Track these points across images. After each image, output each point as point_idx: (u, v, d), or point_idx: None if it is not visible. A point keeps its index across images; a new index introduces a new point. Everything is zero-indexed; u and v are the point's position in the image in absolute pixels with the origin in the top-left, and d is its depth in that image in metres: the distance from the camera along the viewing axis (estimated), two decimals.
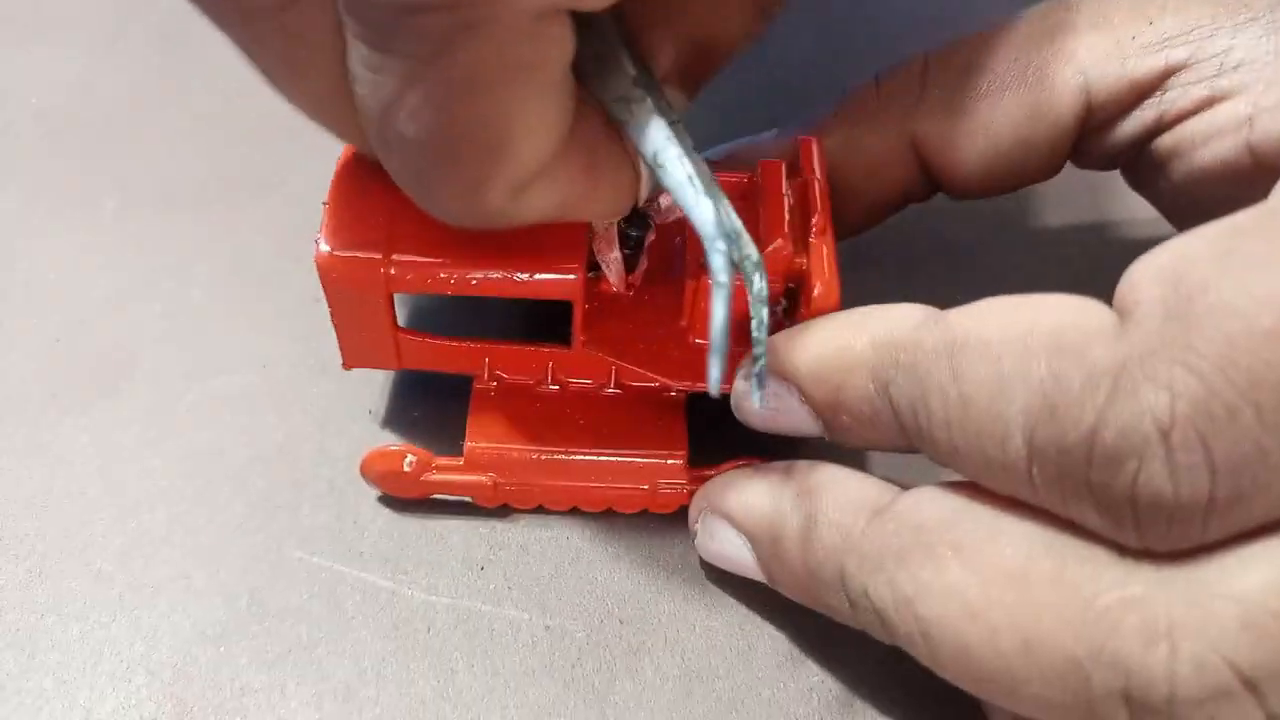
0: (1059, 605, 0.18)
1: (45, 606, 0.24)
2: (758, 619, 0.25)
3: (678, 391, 0.25)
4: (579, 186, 0.21)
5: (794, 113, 0.28)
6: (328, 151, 0.32)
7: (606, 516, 0.26)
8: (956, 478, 0.20)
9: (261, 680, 0.23)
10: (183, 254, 0.31)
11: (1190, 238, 0.18)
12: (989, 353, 0.18)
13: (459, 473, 0.25)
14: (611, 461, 0.25)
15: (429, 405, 0.28)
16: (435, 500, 0.26)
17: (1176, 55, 0.23)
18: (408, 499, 0.26)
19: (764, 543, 0.23)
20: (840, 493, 0.21)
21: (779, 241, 0.23)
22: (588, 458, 0.25)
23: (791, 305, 0.24)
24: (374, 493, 0.26)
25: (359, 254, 0.23)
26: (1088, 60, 0.24)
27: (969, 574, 0.19)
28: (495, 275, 0.23)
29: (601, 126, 0.21)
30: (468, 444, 0.25)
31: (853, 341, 0.21)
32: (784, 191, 0.24)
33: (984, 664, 0.19)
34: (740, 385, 0.23)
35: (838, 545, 0.21)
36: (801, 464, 0.23)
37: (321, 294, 0.25)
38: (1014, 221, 0.32)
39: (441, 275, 0.23)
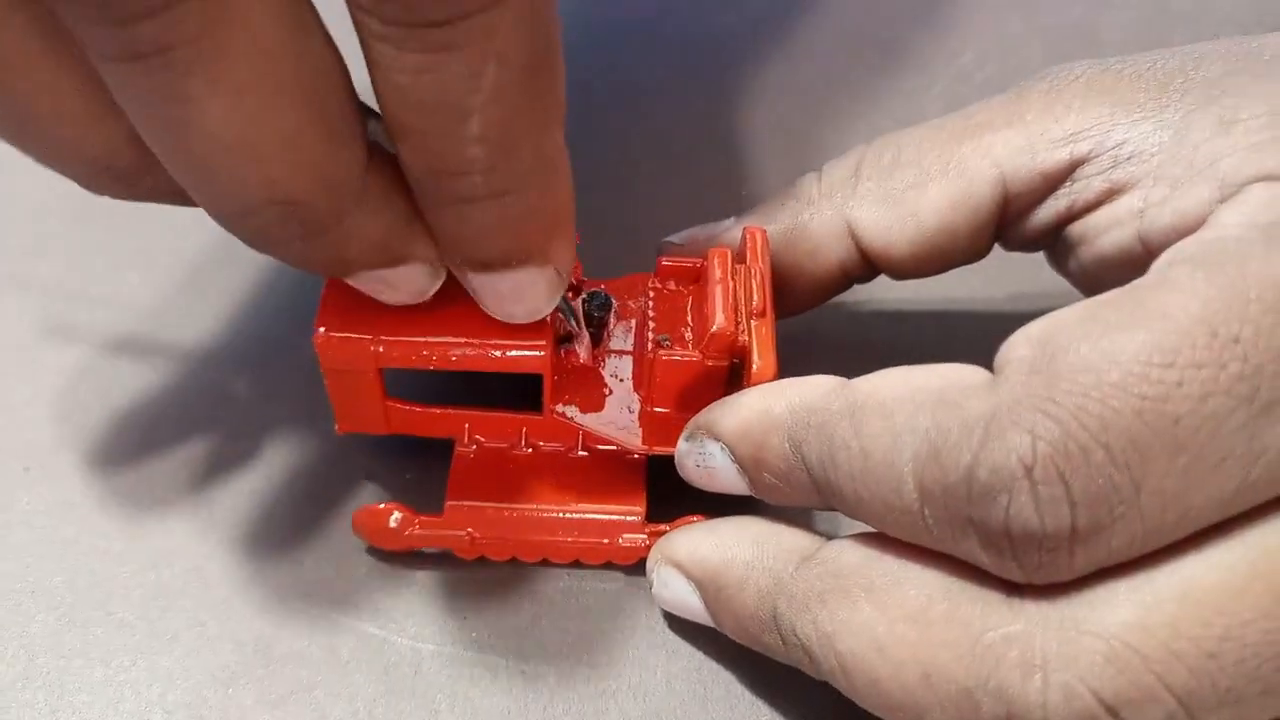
0: (953, 641, 0.19)
1: (73, 651, 0.26)
2: (713, 665, 0.26)
3: (638, 454, 0.27)
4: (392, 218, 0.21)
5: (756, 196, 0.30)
6: None
7: (575, 571, 0.28)
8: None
9: (266, 719, 0.25)
10: (202, 325, 0.33)
11: (1063, 310, 0.20)
12: (884, 410, 0.20)
13: (440, 528, 0.27)
14: (577, 518, 0.27)
15: (419, 469, 0.29)
16: (422, 554, 0.28)
17: (1080, 149, 0.25)
18: (394, 551, 0.27)
19: (709, 589, 0.24)
20: (774, 543, 0.23)
21: (722, 320, 0.25)
22: (556, 514, 0.27)
23: (734, 378, 0.26)
24: (368, 547, 0.28)
25: (351, 335, 0.25)
26: (1003, 154, 0.26)
27: (878, 613, 0.20)
28: (472, 351, 0.25)
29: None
30: (448, 502, 0.27)
31: (772, 406, 0.23)
32: (729, 277, 0.26)
33: (891, 694, 0.20)
34: (682, 445, 0.25)
35: (770, 589, 0.23)
36: (742, 519, 0.25)
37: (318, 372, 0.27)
38: (945, 298, 0.34)
39: (424, 352, 0.25)
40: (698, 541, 0.25)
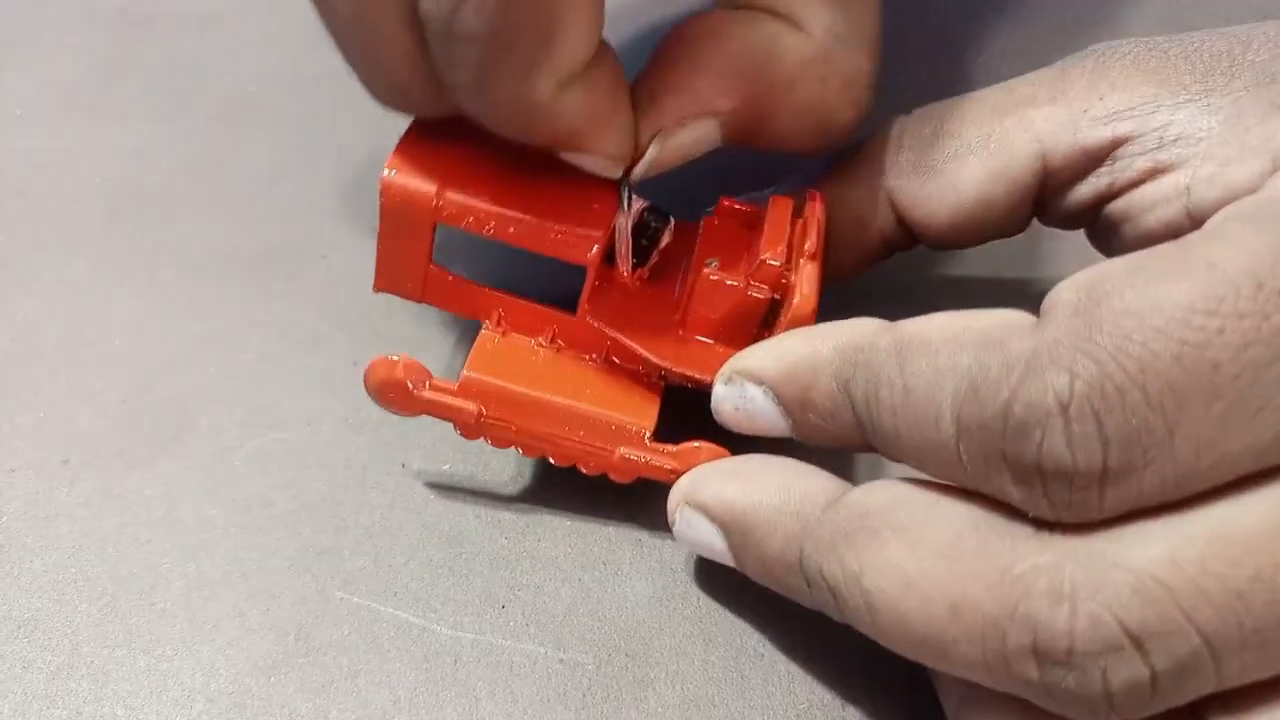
0: (982, 573, 0.20)
1: (116, 641, 0.26)
2: (750, 651, 0.26)
3: (662, 373, 0.27)
4: (605, 102, 0.24)
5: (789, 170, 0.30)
6: (366, 227, 0.35)
7: (612, 561, 0.28)
8: (906, 473, 0.22)
9: (308, 707, 0.25)
10: (235, 320, 0.33)
11: (1111, 260, 0.20)
12: (929, 348, 0.21)
13: (450, 394, 0.26)
14: (585, 414, 0.26)
15: (457, 461, 0.30)
16: (461, 544, 0.28)
17: (1122, 128, 0.25)
18: (400, 412, 0.27)
19: (735, 534, 0.24)
20: (800, 487, 0.23)
21: (773, 253, 0.26)
22: (566, 407, 0.26)
23: (770, 317, 0.26)
24: (408, 538, 0.28)
25: (418, 182, 0.26)
26: (1044, 130, 0.26)
27: (906, 550, 0.21)
28: (527, 226, 0.26)
29: (617, 63, 0.25)
30: (465, 372, 0.26)
31: (820, 347, 0.23)
32: (787, 220, 0.27)
33: (917, 629, 0.20)
34: (719, 390, 0.25)
35: (797, 532, 0.23)
36: (766, 461, 0.25)
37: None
38: (983, 270, 0.34)
39: (482, 216, 0.26)
40: (723, 484, 0.25)
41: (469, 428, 0.27)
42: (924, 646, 0.21)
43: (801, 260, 0.26)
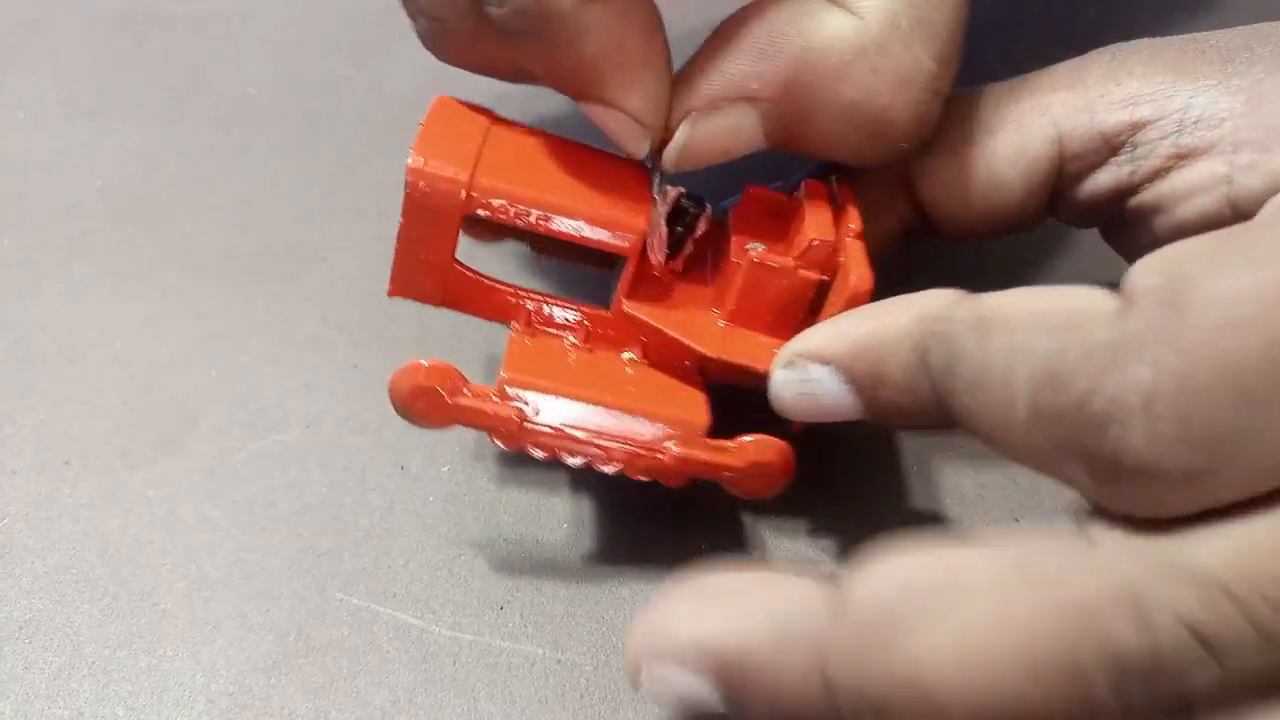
0: (1043, 617, 0.18)
1: (117, 642, 0.26)
2: None
3: (699, 373, 0.26)
4: (632, 41, 0.23)
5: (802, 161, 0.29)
6: (366, 229, 0.35)
7: (612, 560, 0.28)
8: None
9: (307, 708, 0.25)
10: (236, 322, 0.33)
11: (1188, 240, 0.19)
12: (1009, 325, 0.20)
13: (490, 400, 0.24)
14: (636, 412, 0.25)
15: (456, 463, 0.30)
16: (460, 546, 0.28)
17: (1141, 112, 0.25)
18: (429, 425, 0.25)
19: (730, 680, 0.20)
20: (789, 604, 0.20)
21: (823, 233, 0.25)
22: (614, 403, 0.25)
23: (817, 302, 0.25)
24: (407, 540, 0.28)
25: (447, 170, 0.24)
26: (1061, 113, 0.26)
27: (953, 632, 0.19)
28: (564, 214, 0.24)
29: (655, 14, 0.24)
30: (504, 374, 0.24)
31: (893, 319, 0.22)
32: (826, 202, 0.26)
33: (995, 698, 0.18)
34: (779, 375, 0.24)
35: (812, 661, 0.20)
36: (728, 579, 0.22)
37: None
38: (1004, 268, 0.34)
39: (519, 202, 0.24)
40: (694, 624, 0.21)
41: (509, 435, 0.25)
42: (997, 710, 0.19)
43: (848, 240, 0.25)
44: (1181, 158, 0.24)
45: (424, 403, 0.24)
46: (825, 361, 0.23)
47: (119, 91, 0.42)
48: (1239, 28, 0.25)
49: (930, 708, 0.19)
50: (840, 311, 0.24)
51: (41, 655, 0.26)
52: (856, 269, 0.24)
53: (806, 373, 0.23)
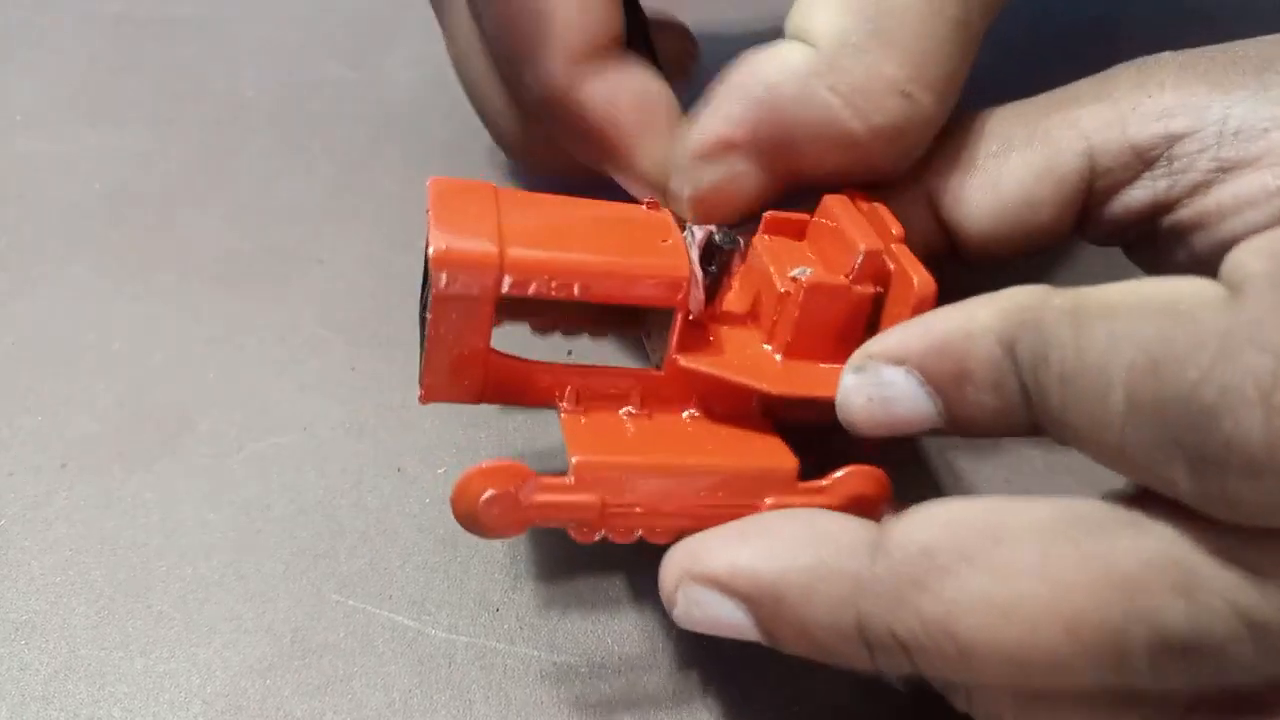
0: (1088, 583, 0.18)
1: (113, 644, 0.26)
2: (746, 651, 0.25)
3: (764, 415, 0.25)
4: (630, 104, 0.26)
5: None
6: (363, 232, 0.35)
7: (608, 563, 0.28)
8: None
9: (303, 709, 0.25)
10: (233, 324, 0.33)
11: None
12: (1108, 311, 0.19)
13: (567, 493, 0.22)
14: (723, 469, 0.23)
15: (452, 465, 0.29)
16: (455, 548, 0.28)
17: (1176, 125, 0.24)
18: (507, 534, 0.23)
19: (764, 605, 0.21)
20: (831, 540, 0.20)
21: (869, 243, 0.24)
22: (699, 465, 0.23)
23: (875, 311, 0.24)
24: (403, 542, 0.28)
25: (475, 248, 0.22)
26: (1091, 127, 0.25)
27: (993, 580, 0.18)
28: (612, 266, 0.22)
29: (656, 77, 0.27)
30: (575, 458, 0.22)
31: (975, 314, 0.21)
32: (856, 211, 0.25)
33: (1028, 657, 0.18)
34: (849, 380, 0.22)
35: (848, 592, 0.20)
36: (771, 518, 0.22)
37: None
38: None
39: (557, 272, 0.22)
40: (733, 551, 0.21)
41: (588, 525, 0.23)
42: (1032, 671, 0.19)
43: (892, 246, 0.24)
44: (1224, 170, 0.24)
45: (497, 509, 0.22)
46: (900, 362, 0.21)
47: (118, 93, 0.42)
48: (1266, 37, 0.24)
49: (958, 653, 0.19)
50: (909, 319, 0.22)
51: (37, 657, 0.26)
52: (916, 273, 0.23)
53: (879, 375, 0.21)
